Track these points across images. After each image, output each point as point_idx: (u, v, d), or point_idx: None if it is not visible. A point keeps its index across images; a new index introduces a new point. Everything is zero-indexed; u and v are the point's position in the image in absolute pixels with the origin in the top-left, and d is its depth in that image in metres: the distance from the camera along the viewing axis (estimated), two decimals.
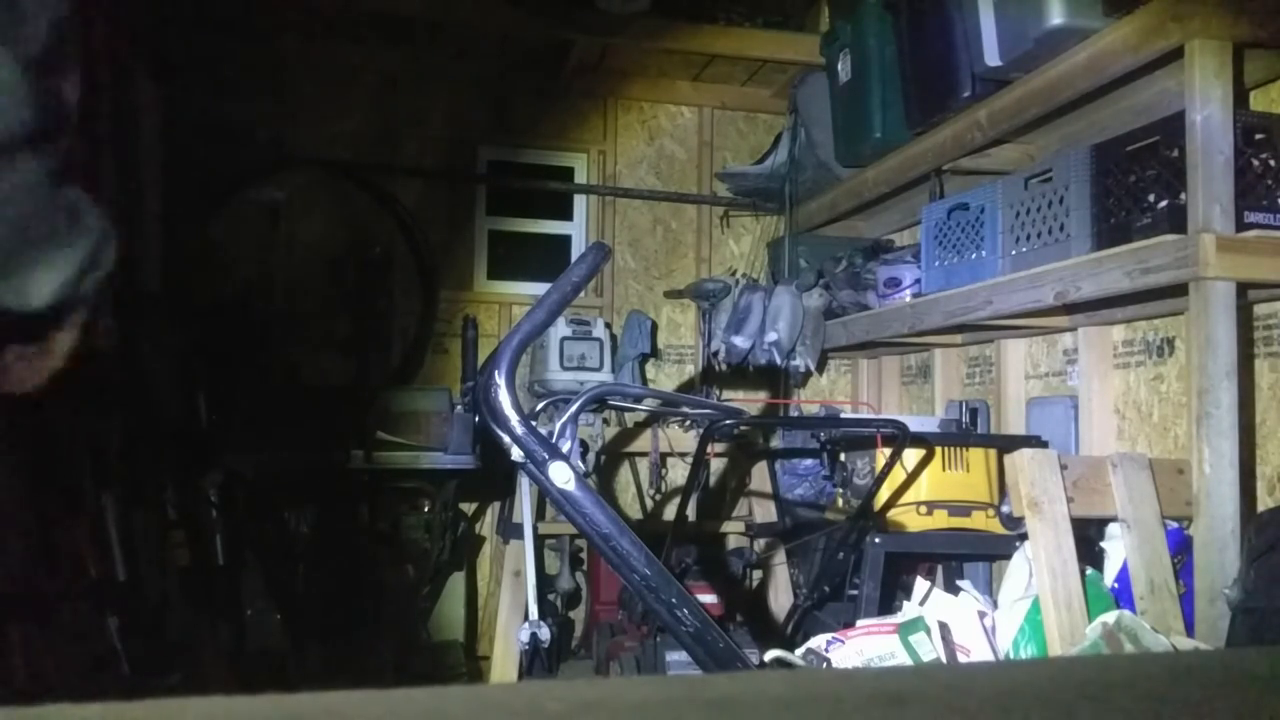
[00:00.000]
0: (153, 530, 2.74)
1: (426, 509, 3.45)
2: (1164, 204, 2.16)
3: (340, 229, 3.82)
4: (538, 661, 2.79)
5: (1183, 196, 2.10)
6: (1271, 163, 2.12)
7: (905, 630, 2.13)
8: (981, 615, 2.28)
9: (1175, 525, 2.25)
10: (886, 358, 3.92)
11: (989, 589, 2.64)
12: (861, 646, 2.12)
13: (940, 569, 2.83)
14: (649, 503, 3.80)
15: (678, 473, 3.80)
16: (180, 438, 2.85)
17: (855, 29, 3.38)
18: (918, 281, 3.11)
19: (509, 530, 3.16)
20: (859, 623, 2.24)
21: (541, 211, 4.17)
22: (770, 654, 2.11)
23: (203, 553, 2.86)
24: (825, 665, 2.10)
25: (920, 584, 2.43)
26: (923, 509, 2.56)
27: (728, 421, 2.86)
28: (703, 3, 3.81)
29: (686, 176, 4.25)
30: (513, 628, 2.94)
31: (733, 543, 3.70)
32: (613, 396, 2.62)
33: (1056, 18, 2.36)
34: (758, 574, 3.69)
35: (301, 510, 3.34)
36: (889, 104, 3.25)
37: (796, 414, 3.98)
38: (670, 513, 3.39)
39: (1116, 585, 2.25)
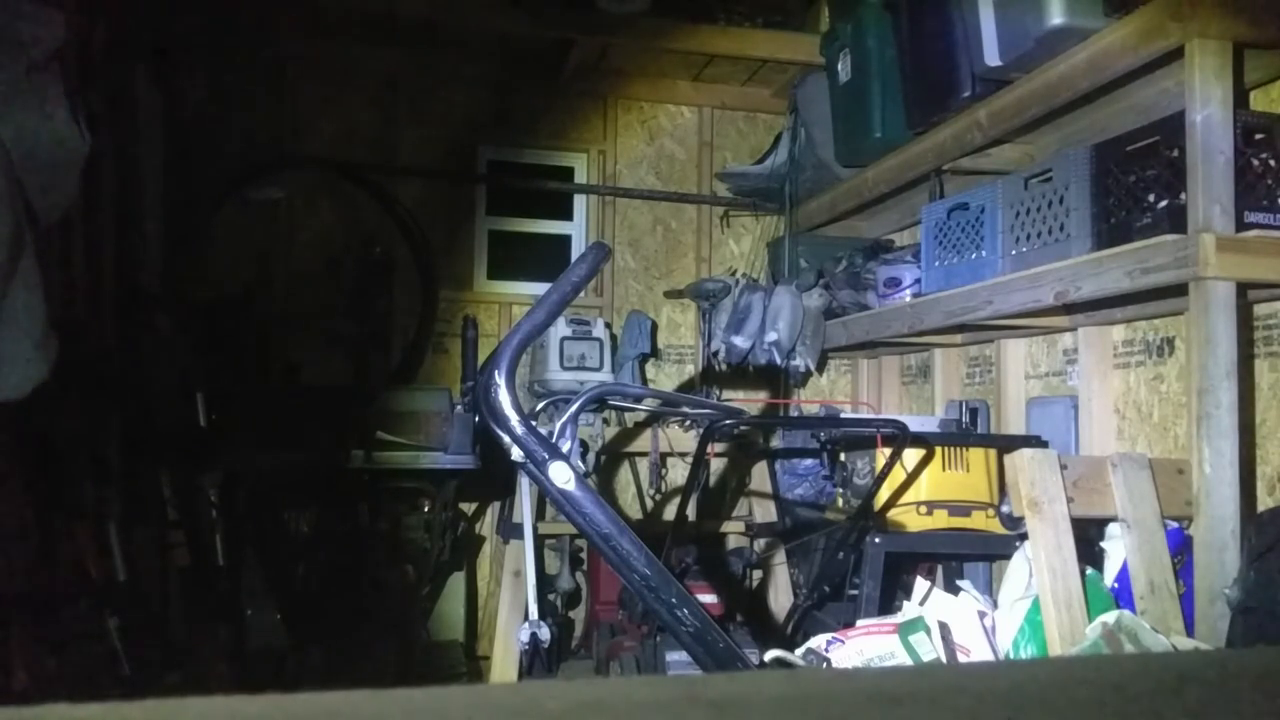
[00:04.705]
0: (153, 530, 2.74)
1: (426, 509, 3.44)
2: (1164, 204, 2.16)
3: (340, 229, 3.82)
4: (538, 661, 2.79)
5: (1183, 196, 2.10)
6: (1271, 163, 2.12)
7: (905, 630, 2.13)
8: (981, 615, 2.28)
9: (1175, 525, 2.24)
10: (886, 358, 3.92)
11: (989, 589, 2.64)
12: (861, 646, 2.12)
13: (940, 569, 2.83)
14: (649, 503, 3.80)
15: (678, 473, 3.80)
16: (180, 437, 2.85)
17: (855, 29, 3.38)
18: (918, 281, 3.11)
19: (509, 530, 3.16)
20: (859, 623, 2.24)
21: (541, 211, 4.17)
22: (770, 654, 2.11)
23: (203, 553, 2.86)
24: (825, 665, 2.10)
25: (920, 584, 2.43)
26: (923, 509, 2.56)
27: (728, 421, 2.86)
28: (703, 3, 3.81)
29: (686, 176, 4.25)
30: (513, 628, 2.94)
31: (733, 543, 3.70)
32: (613, 396, 2.62)
33: (1057, 18, 2.36)
34: (758, 574, 3.68)
35: (301, 510, 3.33)
36: (889, 104, 3.25)
37: (796, 414, 3.97)
38: (670, 513, 3.39)
39: (1116, 585, 2.24)
